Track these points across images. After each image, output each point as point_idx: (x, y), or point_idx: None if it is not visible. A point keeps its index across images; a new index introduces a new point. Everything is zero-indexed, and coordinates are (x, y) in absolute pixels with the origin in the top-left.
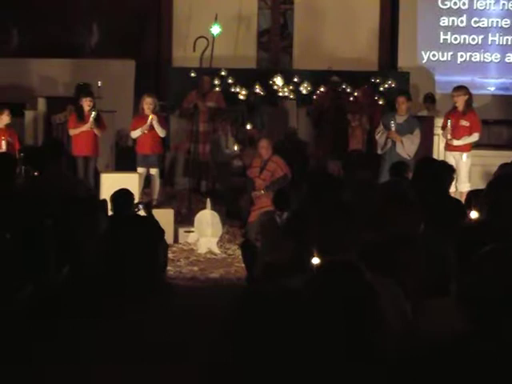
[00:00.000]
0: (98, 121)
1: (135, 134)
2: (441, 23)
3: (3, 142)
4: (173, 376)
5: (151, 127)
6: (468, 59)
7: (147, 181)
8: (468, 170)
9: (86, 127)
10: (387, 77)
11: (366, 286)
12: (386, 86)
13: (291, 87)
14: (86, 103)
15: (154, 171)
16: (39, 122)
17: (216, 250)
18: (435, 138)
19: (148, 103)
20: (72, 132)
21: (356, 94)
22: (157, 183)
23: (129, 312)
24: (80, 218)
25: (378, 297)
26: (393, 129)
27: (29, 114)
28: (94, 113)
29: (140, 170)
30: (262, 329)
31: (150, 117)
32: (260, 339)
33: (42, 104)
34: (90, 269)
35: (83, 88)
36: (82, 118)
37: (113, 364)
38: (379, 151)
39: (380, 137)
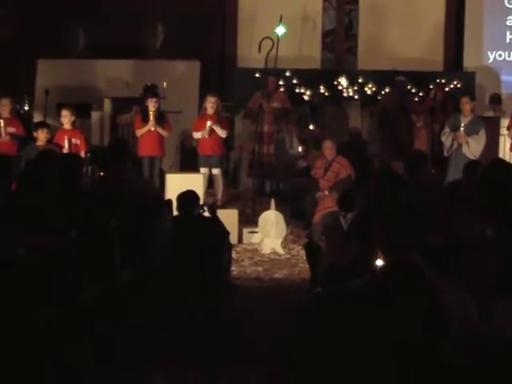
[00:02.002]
0: (161, 121)
1: (196, 135)
2: (507, 23)
3: (66, 142)
4: (238, 375)
5: (212, 130)
6: None
7: (211, 181)
8: None
9: (148, 127)
10: (452, 77)
11: (429, 288)
12: (452, 86)
13: (356, 88)
14: (152, 104)
15: (216, 171)
16: (105, 122)
17: (280, 250)
18: (501, 139)
19: (211, 103)
20: (138, 132)
21: (432, 92)
22: (220, 183)
23: (193, 312)
24: (145, 219)
25: (442, 300)
26: (462, 129)
27: (95, 115)
28: (151, 113)
29: (202, 170)
30: (332, 332)
31: (208, 123)
32: (329, 341)
33: (107, 105)
34: (154, 269)
35: (150, 88)
36: (146, 118)
37: (174, 363)
38: (445, 153)
39: (446, 138)
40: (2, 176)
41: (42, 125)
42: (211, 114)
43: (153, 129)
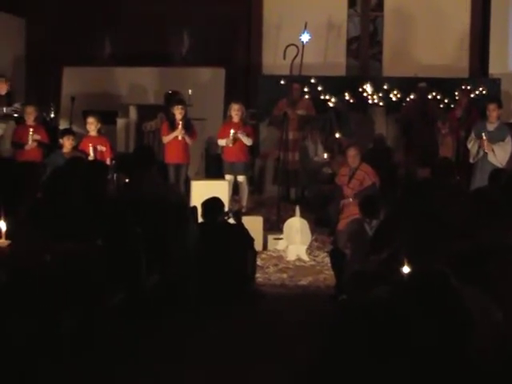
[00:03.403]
0: (187, 128)
1: (221, 142)
2: None
3: (91, 149)
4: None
5: (237, 137)
6: None
7: (236, 188)
8: None
9: (175, 134)
10: (478, 84)
11: (455, 295)
12: (477, 92)
13: (381, 94)
14: (178, 111)
15: (241, 178)
16: (130, 129)
17: (305, 257)
18: None
19: (235, 110)
20: (165, 139)
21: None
22: (245, 190)
23: (218, 318)
24: (171, 225)
25: (468, 307)
26: (484, 138)
27: (120, 122)
28: (179, 121)
29: (227, 177)
30: (356, 339)
31: (232, 131)
32: (354, 349)
33: (133, 112)
34: (179, 275)
35: (172, 96)
36: (173, 125)
37: (197, 363)
38: (471, 160)
39: (472, 146)
40: (28, 183)
41: (68, 132)
42: (236, 121)
43: (180, 137)
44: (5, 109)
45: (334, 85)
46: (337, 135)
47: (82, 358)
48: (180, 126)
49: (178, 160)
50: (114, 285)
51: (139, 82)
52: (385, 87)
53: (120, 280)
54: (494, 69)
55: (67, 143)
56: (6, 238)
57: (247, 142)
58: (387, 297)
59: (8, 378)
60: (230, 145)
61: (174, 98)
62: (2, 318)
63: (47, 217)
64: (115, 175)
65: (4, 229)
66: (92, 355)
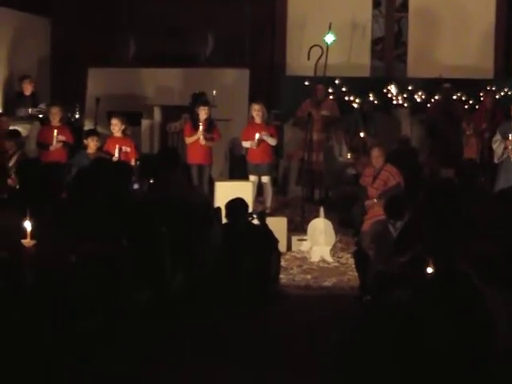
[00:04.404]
0: (211, 129)
1: (245, 144)
2: None
3: (116, 150)
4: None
5: (261, 140)
6: None
7: (260, 189)
8: None
9: (197, 136)
10: (503, 84)
11: (478, 296)
12: (502, 93)
13: (405, 95)
14: (203, 112)
15: (265, 179)
16: (155, 130)
17: (329, 258)
18: None
19: (256, 110)
20: (188, 140)
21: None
22: (269, 191)
23: (241, 318)
24: (195, 226)
25: (489, 307)
26: (510, 138)
27: (145, 123)
28: (201, 122)
29: (252, 178)
30: (380, 340)
31: (257, 135)
32: (378, 350)
33: (157, 113)
34: (203, 276)
35: (199, 96)
36: (196, 126)
37: (220, 364)
38: (496, 160)
39: (497, 146)
40: (53, 184)
41: (93, 133)
42: (259, 122)
43: (201, 138)
44: (30, 109)
45: (358, 86)
46: (360, 134)
47: (106, 359)
48: (200, 129)
49: (200, 161)
50: (139, 285)
51: (164, 83)
52: (409, 88)
53: (145, 280)
54: None
55: (92, 144)
56: (32, 239)
57: (271, 142)
58: (411, 298)
59: (32, 379)
60: (255, 147)
61: (199, 99)
62: (27, 319)
63: (72, 217)
64: (140, 176)
65: (29, 229)
66: (116, 356)
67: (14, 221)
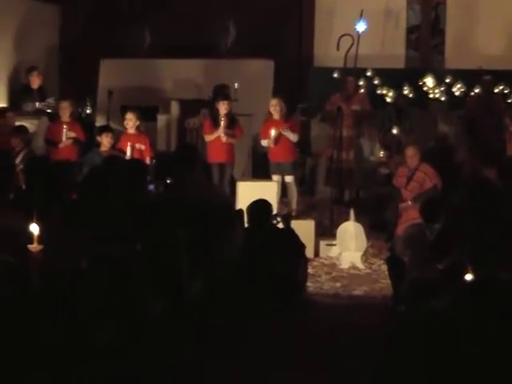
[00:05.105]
0: (232, 125)
1: (264, 143)
2: None
3: (129, 148)
4: None
5: (279, 136)
6: None
7: (285, 189)
8: None
9: (218, 133)
10: None
11: None
12: None
13: (443, 88)
14: (223, 106)
15: (289, 179)
16: (172, 126)
17: (360, 264)
18: None
19: (273, 105)
20: (207, 138)
21: None
22: (294, 192)
23: (266, 328)
24: (215, 230)
25: None
26: None
27: (161, 119)
28: (222, 117)
29: (275, 177)
30: (417, 355)
31: (273, 132)
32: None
33: (175, 107)
34: (224, 283)
35: (221, 90)
36: (217, 122)
37: (243, 374)
38: None
39: None
40: (63, 184)
41: (107, 129)
42: (277, 118)
43: (223, 135)
44: (37, 104)
45: (391, 78)
46: (394, 131)
47: (117, 370)
48: (222, 125)
49: (221, 159)
50: (154, 293)
51: (181, 75)
52: (447, 81)
53: (160, 288)
54: None
55: (105, 141)
56: (39, 243)
57: (293, 138)
58: (449, 308)
59: None
60: (272, 145)
61: (219, 93)
62: (35, 327)
63: (83, 220)
64: (156, 175)
65: (37, 233)
66: (129, 368)
67: (20, 223)
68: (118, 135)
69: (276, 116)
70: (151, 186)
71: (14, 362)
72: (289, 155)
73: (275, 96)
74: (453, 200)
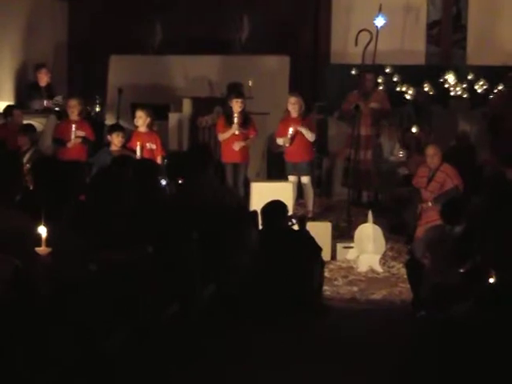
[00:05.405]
0: (246, 124)
1: (279, 141)
2: None
3: (138, 149)
4: None
5: (295, 136)
6: None
7: (301, 190)
8: None
9: (232, 131)
10: None
11: None
12: None
13: (465, 85)
14: (237, 104)
15: (305, 179)
16: (184, 125)
17: (378, 268)
18: None
19: (292, 103)
20: (221, 137)
21: None
22: (310, 193)
23: (280, 332)
24: (228, 232)
25: None
26: None
27: (173, 117)
28: (235, 115)
29: (291, 178)
30: (439, 362)
31: (290, 130)
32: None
33: (187, 105)
34: (238, 287)
35: (235, 87)
36: (230, 120)
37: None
38: None
39: None
40: (72, 184)
41: (117, 128)
42: (295, 116)
43: (237, 132)
44: (45, 102)
45: (411, 75)
46: (414, 129)
47: (127, 376)
48: (235, 121)
49: (235, 159)
50: (166, 297)
51: (194, 72)
52: (469, 77)
53: (173, 292)
54: None
55: (116, 140)
56: (47, 246)
57: (311, 137)
58: (468, 313)
59: None
60: (287, 144)
61: (232, 90)
62: (43, 334)
63: (92, 222)
64: (167, 176)
65: (44, 235)
66: (139, 374)
67: (27, 225)
68: (129, 134)
69: (294, 114)
70: (164, 182)
71: (21, 368)
72: (305, 155)
73: (294, 93)
74: (475, 201)
